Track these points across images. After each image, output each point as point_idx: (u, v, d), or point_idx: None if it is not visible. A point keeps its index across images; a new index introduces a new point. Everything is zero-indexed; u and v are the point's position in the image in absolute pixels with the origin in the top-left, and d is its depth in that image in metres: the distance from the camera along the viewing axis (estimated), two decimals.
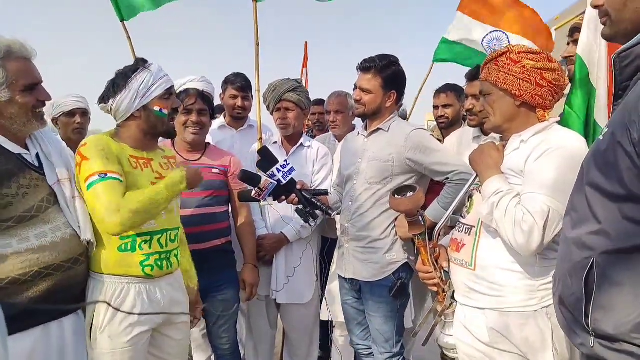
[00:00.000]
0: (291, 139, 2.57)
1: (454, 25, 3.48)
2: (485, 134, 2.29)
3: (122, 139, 1.67)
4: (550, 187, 1.31)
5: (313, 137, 3.66)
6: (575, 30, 1.98)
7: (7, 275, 1.35)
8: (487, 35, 3.49)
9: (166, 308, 1.69)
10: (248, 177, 1.98)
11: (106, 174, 1.50)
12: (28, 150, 1.49)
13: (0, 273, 1.34)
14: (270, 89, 2.51)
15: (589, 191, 1.03)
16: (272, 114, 2.57)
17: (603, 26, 1.10)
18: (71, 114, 2.63)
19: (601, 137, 1.04)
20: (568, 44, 2.06)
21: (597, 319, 0.98)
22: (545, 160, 1.36)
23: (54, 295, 1.43)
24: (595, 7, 1.11)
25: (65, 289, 1.47)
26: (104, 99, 1.66)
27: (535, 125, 1.47)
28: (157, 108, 1.67)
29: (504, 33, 3.51)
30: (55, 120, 2.68)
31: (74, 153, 2.61)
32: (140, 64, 1.67)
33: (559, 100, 1.53)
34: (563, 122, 1.73)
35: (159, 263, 1.66)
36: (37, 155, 1.51)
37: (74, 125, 2.65)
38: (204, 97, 2.28)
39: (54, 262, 1.43)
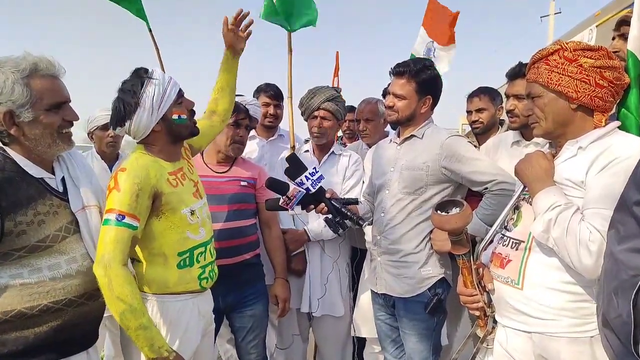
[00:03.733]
0: (323, 148, 2.55)
1: (418, 42, 3.71)
2: (527, 138, 2.16)
3: (156, 153, 1.61)
4: None
5: (343, 145, 3.60)
6: (622, 22, 1.82)
7: (13, 307, 1.27)
8: (425, 46, 3.75)
9: (208, 317, 1.76)
10: (276, 185, 1.92)
11: (124, 217, 1.42)
12: (54, 173, 1.42)
13: (7, 305, 1.26)
14: (309, 95, 2.49)
15: (639, 208, 0.93)
16: (306, 119, 2.54)
17: None
18: (105, 127, 2.69)
19: None
20: (613, 38, 1.90)
21: None
22: (612, 172, 1.21)
23: (63, 333, 1.34)
24: None
25: (75, 327, 1.38)
26: (119, 123, 1.55)
27: (595, 130, 1.33)
28: (175, 116, 1.59)
29: (432, 42, 3.74)
30: (90, 134, 2.75)
31: (108, 166, 2.72)
32: (144, 76, 1.54)
33: (618, 101, 1.38)
34: (620, 126, 1.58)
35: (211, 274, 1.71)
36: (63, 180, 1.43)
37: (107, 139, 2.70)
38: (249, 114, 2.30)
39: (65, 297, 1.34)
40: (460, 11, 3.69)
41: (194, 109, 1.70)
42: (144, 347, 1.39)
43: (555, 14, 15.21)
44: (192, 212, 1.63)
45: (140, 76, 1.55)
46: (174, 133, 1.62)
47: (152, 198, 1.52)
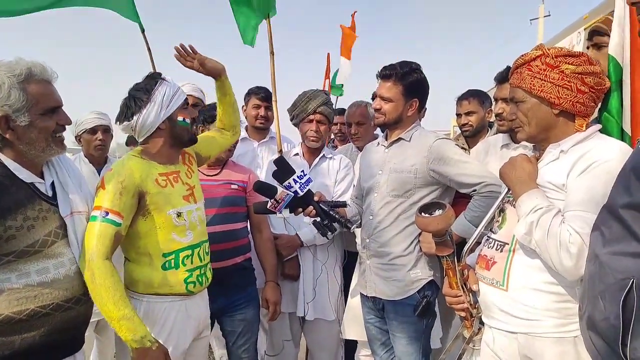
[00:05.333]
0: (314, 151, 2.54)
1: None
2: (516, 141, 2.18)
3: (151, 156, 1.67)
4: (599, 205, 1.15)
5: (334, 147, 3.62)
6: (595, 33, 1.85)
7: (1, 312, 1.27)
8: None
9: (201, 322, 1.75)
10: (263, 188, 1.92)
11: (108, 213, 1.49)
12: (43, 178, 1.42)
13: None
14: (304, 99, 2.47)
15: (626, 211, 0.94)
16: (297, 123, 2.52)
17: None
18: (93, 131, 2.67)
19: None
20: (588, 47, 1.93)
21: (635, 347, 0.88)
22: (591, 174, 1.23)
23: (50, 338, 1.34)
24: (633, 3, 1.06)
25: (63, 331, 1.38)
26: (127, 117, 1.63)
27: (576, 134, 1.35)
28: (180, 118, 1.69)
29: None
30: (78, 138, 2.73)
31: (96, 170, 2.70)
32: (158, 78, 1.67)
33: (599, 105, 1.40)
34: (603, 130, 1.60)
35: (200, 279, 1.71)
36: (52, 184, 1.44)
37: (96, 142, 2.68)
38: None
39: (52, 301, 1.34)
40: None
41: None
42: (127, 337, 1.43)
43: (544, 16, 15.38)
44: (179, 215, 1.65)
45: (154, 77, 1.67)
46: (176, 134, 1.69)
47: (137, 197, 1.57)
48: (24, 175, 1.36)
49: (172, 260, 1.63)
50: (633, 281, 0.89)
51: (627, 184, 0.97)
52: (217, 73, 1.90)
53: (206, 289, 1.82)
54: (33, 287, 1.31)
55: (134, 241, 1.61)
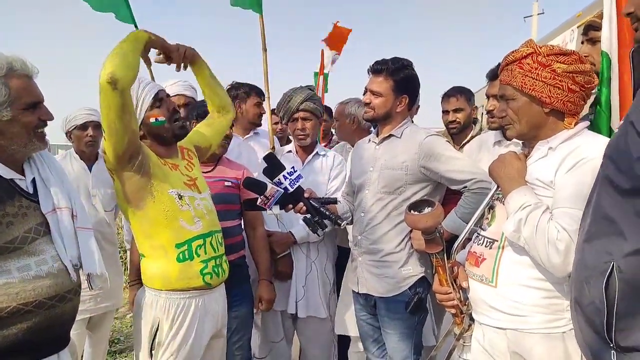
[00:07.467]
0: (307, 148, 2.54)
1: (325, 58, 4.58)
2: (508, 138, 2.19)
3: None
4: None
5: (336, 143, 3.61)
6: (590, 28, 1.86)
7: None
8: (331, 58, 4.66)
9: (219, 319, 1.76)
10: (253, 185, 1.92)
11: None
12: (24, 174, 1.41)
13: None
14: (285, 99, 2.48)
15: (599, 189, 0.97)
16: (286, 124, 2.53)
17: (635, 31, 1.08)
18: (83, 127, 2.63)
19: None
20: (582, 42, 1.94)
21: (621, 329, 0.89)
22: (579, 171, 1.24)
23: (33, 336, 1.32)
24: (627, 14, 1.07)
25: (46, 329, 1.35)
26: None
27: (564, 131, 1.35)
28: (152, 120, 1.67)
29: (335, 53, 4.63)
30: (68, 134, 2.69)
31: (87, 166, 2.67)
32: None
33: (588, 103, 1.41)
34: (594, 124, 1.61)
35: (216, 270, 1.70)
36: (34, 181, 1.42)
37: (87, 138, 2.63)
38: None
39: (35, 299, 1.31)
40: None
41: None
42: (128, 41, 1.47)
43: (538, 14, 15.45)
44: (180, 197, 1.65)
45: None
46: (155, 135, 1.69)
47: (139, 144, 1.58)
48: (3, 171, 1.35)
49: (186, 251, 1.64)
50: (613, 263, 0.90)
51: (605, 165, 1.00)
52: (192, 59, 1.77)
53: (223, 284, 1.81)
54: (14, 284, 1.29)
55: (147, 230, 1.62)
